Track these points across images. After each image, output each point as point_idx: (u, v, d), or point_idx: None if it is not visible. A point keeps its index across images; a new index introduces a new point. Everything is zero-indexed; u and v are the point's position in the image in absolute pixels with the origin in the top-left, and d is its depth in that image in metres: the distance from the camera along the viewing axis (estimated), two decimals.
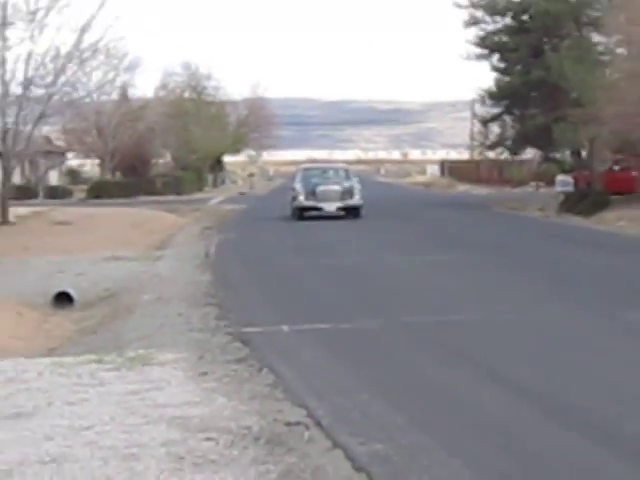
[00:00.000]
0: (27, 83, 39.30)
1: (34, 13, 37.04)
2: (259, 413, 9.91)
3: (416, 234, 35.87)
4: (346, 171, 38.29)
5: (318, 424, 9.45)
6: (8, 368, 12.06)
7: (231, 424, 9.43)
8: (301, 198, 34.21)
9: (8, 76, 38.17)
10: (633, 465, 7.81)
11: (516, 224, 41.70)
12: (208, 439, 8.82)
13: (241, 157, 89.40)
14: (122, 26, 56.52)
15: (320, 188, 34.17)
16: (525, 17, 56.47)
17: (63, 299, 18.61)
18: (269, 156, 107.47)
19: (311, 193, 33.96)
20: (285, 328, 15.35)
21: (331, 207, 33.83)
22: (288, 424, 9.47)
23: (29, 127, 41.65)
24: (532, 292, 20.90)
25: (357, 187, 35.37)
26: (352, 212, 34.37)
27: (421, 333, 15.48)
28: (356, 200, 34.67)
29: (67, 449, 8.48)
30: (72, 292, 18.89)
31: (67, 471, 7.78)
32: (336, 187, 34.69)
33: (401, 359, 13.44)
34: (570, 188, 48.50)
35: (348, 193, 34.40)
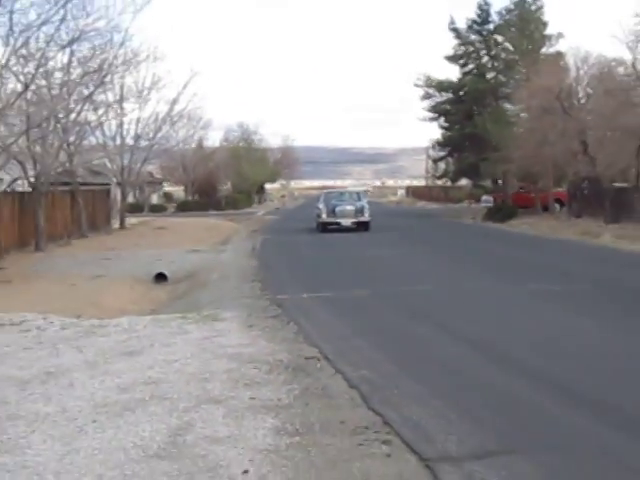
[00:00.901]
0: (137, 137, 41.73)
1: (141, 92, 39.54)
2: (287, 351, 10.39)
3: (392, 234, 34.47)
4: (358, 194, 36.66)
5: (326, 358, 9.96)
6: (125, 323, 12.52)
7: (269, 358, 9.90)
8: (324, 216, 32.43)
9: (124, 133, 40.68)
10: (517, 371, 8.73)
11: (456, 227, 42.01)
12: (254, 368, 9.35)
13: (276, 184, 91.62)
14: (199, 98, 57.87)
15: (338, 208, 32.53)
16: (461, 92, 58.98)
17: (160, 277, 19.22)
18: (295, 184, 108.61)
19: (331, 212, 32.40)
20: (305, 295, 15.76)
21: (347, 222, 32.01)
22: (306, 358, 9.98)
23: (138, 165, 43.71)
24: (466, 271, 21.28)
25: (367, 207, 33.49)
26: (363, 226, 32.33)
27: (395, 299, 15.65)
28: (366, 217, 32.47)
29: (163, 375, 9.06)
30: (166, 273, 19.38)
31: (162, 389, 8.37)
32: (350, 207, 32.83)
33: (381, 316, 13.73)
34: (491, 204, 51.04)
35: (360, 211, 32.54)
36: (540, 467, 5.86)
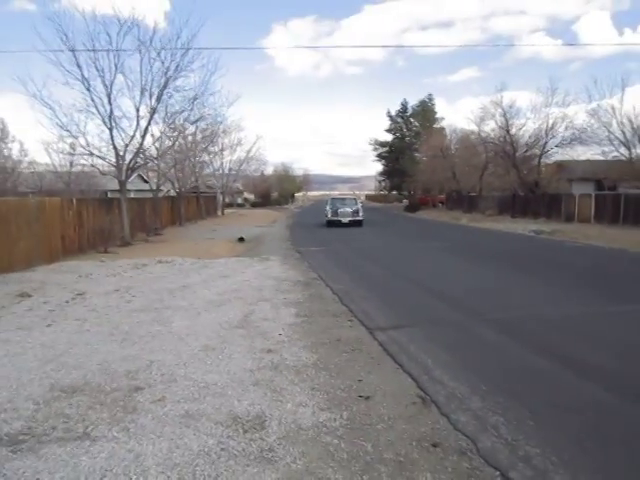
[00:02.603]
0: (228, 170, 42.24)
1: (232, 146, 40.22)
2: (302, 275, 10.65)
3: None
4: (354, 199, 30.43)
5: (321, 279, 10.22)
6: (222, 261, 12.82)
7: (293, 279, 10.16)
8: (329, 215, 26.78)
9: (224, 167, 41.66)
10: (417, 286, 9.06)
11: (390, 215, 41.58)
12: (286, 283, 9.65)
13: (301, 193, 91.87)
14: (261, 149, 61.82)
15: (340, 210, 26.85)
16: (392, 147, 61.87)
17: (241, 239, 19.10)
18: (309, 193, 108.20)
19: (335, 212, 26.76)
20: (313, 248, 15.89)
21: (346, 220, 26.21)
22: (312, 279, 10.26)
23: (231, 184, 44.40)
24: (386, 236, 21.13)
25: (360, 209, 27.51)
26: (357, 223, 26.27)
27: (358, 250, 15.64)
28: (360, 217, 26.62)
29: (240, 287, 9.31)
30: (244, 237, 19.51)
31: (239, 294, 8.61)
32: (349, 209, 27.05)
33: (350, 258, 13.92)
34: (407, 203, 52.07)
35: (356, 212, 26.74)
36: (423, 332, 6.17)
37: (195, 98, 19.25)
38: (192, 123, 20.65)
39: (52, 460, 3.27)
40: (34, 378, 4.80)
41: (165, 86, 17.88)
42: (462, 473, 3.05)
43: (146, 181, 29.51)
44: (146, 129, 17.90)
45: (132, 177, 28.43)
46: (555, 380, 4.45)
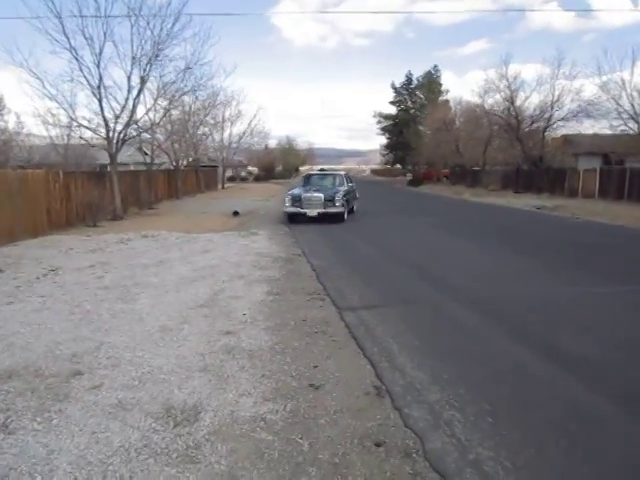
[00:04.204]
0: (232, 143, 41.38)
1: (223, 121, 38.66)
2: (285, 252, 10.29)
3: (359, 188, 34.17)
4: (342, 177, 19.52)
5: (304, 254, 9.91)
6: (208, 236, 12.42)
7: (275, 255, 9.83)
8: (288, 204, 15.31)
9: (225, 140, 40.47)
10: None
11: (392, 189, 41.07)
12: (266, 259, 9.30)
13: (305, 167, 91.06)
14: (263, 120, 61.70)
15: (306, 195, 16.10)
16: (396, 120, 60.71)
17: (236, 213, 18.50)
18: (314, 167, 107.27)
19: (296, 200, 16.10)
20: (303, 224, 15.27)
21: (313, 213, 13.21)
22: (294, 254, 9.93)
23: (232, 157, 43.62)
24: (384, 208, 19.94)
25: (342, 194, 16.23)
26: (334, 217, 15.12)
27: (351, 227, 15.02)
28: (338, 206, 15.21)
29: (218, 263, 8.99)
30: (239, 210, 18.88)
31: (215, 270, 8.31)
32: (320, 195, 15.64)
33: (343, 237, 13.25)
34: (410, 177, 49.97)
35: (330, 200, 15.85)
36: (395, 312, 5.80)
37: (188, 67, 18.63)
38: (182, 94, 19.91)
39: None
40: None
41: (156, 56, 17.26)
42: (401, 479, 2.69)
43: (147, 154, 28.99)
44: (136, 99, 17.34)
45: (131, 151, 28.15)
46: (528, 371, 4.06)
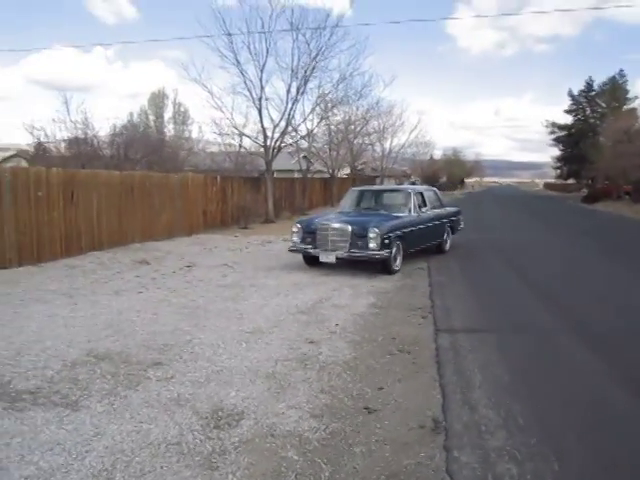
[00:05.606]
0: (392, 153, 38.82)
1: (383, 130, 35.96)
2: (409, 264, 9.65)
3: (516, 203, 31.91)
4: (418, 195, 11.38)
5: (428, 268, 9.29)
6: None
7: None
8: (297, 239, 11.13)
9: (386, 150, 38.02)
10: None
11: (561, 205, 35.56)
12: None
13: (473, 179, 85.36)
14: (424, 131, 61.11)
15: (321, 233, 9.22)
16: (572, 130, 55.04)
17: None
18: (485, 179, 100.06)
19: (309, 234, 9.37)
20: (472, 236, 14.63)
21: (330, 258, 11.69)
22: (418, 268, 9.33)
23: (392, 166, 42.06)
24: (549, 237, 17.43)
25: (389, 230, 9.00)
26: (373, 262, 9.40)
27: (491, 242, 13.73)
28: (374, 248, 8.10)
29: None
30: None
31: (332, 279, 8.40)
32: (348, 229, 8.88)
33: (476, 254, 12.03)
34: (585, 193, 43.76)
35: (362, 237, 9.00)
36: (498, 339, 5.16)
37: (344, 78, 19.13)
38: (334, 105, 20.41)
39: (28, 424, 3.33)
40: (83, 340, 5.01)
41: (313, 68, 18.04)
42: None
43: (310, 161, 30.34)
44: (292, 109, 18.28)
45: (294, 159, 29.70)
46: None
